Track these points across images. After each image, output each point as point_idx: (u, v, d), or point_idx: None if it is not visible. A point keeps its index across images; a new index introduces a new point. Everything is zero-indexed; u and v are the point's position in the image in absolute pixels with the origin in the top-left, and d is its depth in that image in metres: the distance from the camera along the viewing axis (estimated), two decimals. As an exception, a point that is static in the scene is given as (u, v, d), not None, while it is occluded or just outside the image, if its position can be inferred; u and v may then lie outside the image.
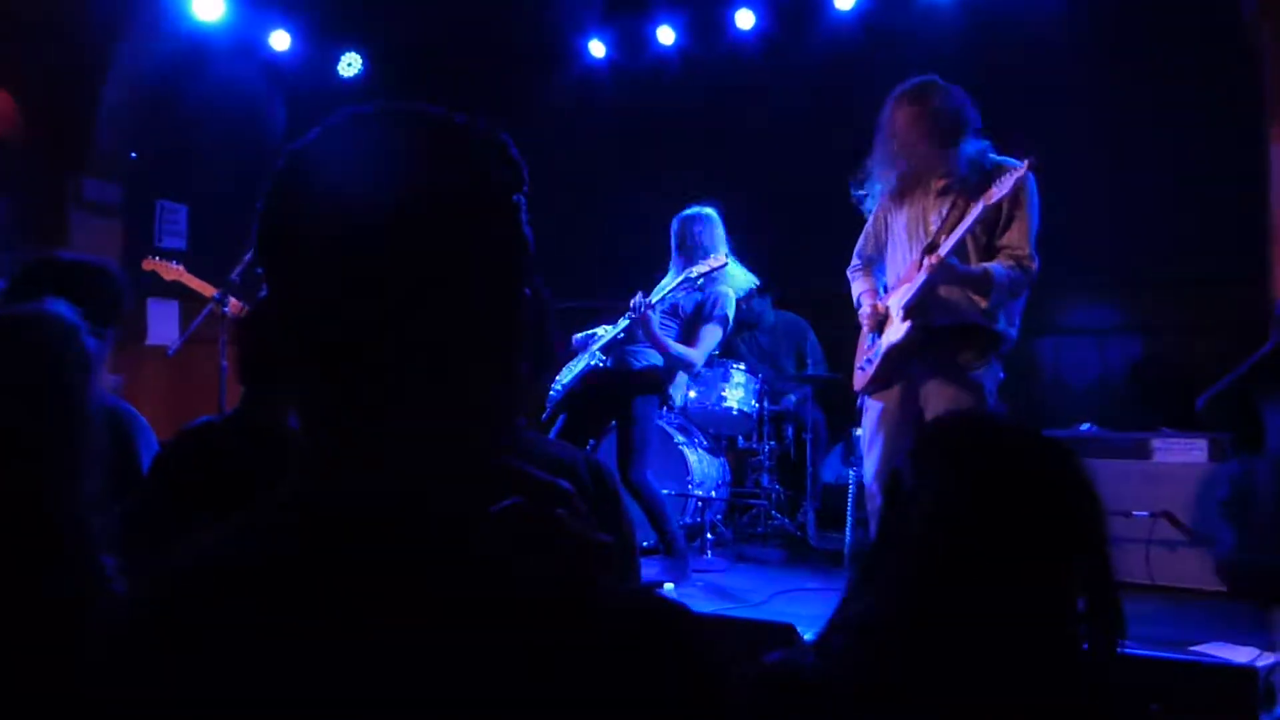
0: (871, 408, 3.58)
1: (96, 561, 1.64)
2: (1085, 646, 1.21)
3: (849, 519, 4.34)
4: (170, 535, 2.02)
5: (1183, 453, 4.43)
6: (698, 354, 4.53)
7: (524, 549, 0.71)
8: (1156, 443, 4.51)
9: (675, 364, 4.56)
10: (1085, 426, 4.94)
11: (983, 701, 1.13)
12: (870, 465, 3.58)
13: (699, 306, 4.55)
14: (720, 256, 4.45)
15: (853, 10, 6.66)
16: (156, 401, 5.43)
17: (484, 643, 0.67)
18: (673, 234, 4.66)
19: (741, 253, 4.72)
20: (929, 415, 3.38)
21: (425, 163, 0.76)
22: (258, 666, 0.68)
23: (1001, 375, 3.46)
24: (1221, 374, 3.55)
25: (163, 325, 6.32)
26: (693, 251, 4.54)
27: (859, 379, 3.64)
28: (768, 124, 6.80)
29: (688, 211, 4.67)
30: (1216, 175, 5.56)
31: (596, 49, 7.50)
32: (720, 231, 4.65)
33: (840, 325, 5.55)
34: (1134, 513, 4.29)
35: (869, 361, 3.58)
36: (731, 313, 4.60)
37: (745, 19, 6.97)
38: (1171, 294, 5.89)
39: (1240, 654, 3.14)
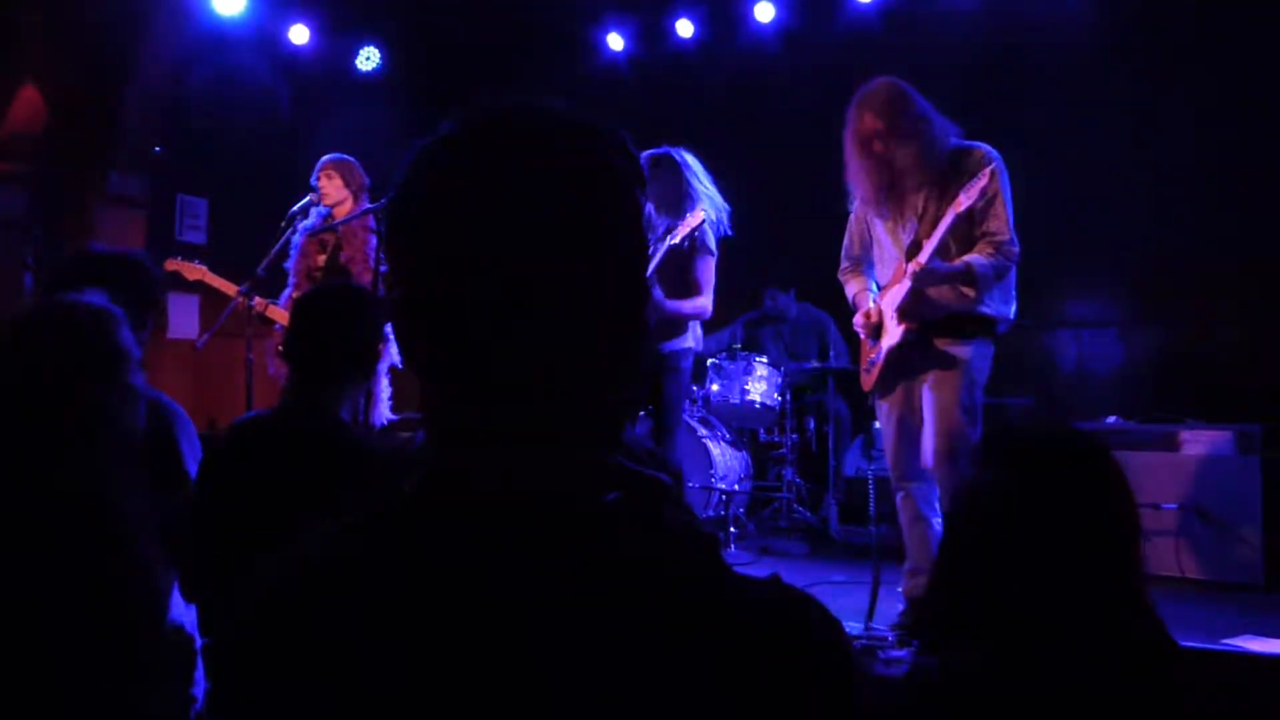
0: (880, 408, 3.71)
1: (138, 548, 1.65)
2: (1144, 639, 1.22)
3: (872, 512, 4.31)
4: (228, 529, 2.04)
5: (1210, 445, 4.40)
6: (704, 298, 4.31)
7: (642, 543, 0.71)
8: (1184, 435, 4.48)
9: (689, 319, 4.34)
10: (1110, 419, 4.91)
11: (1052, 692, 1.13)
12: (889, 463, 3.69)
13: (683, 252, 4.22)
14: (698, 213, 4.15)
15: (873, 2, 6.64)
16: (177, 395, 5.43)
17: (620, 638, 0.66)
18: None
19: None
20: (923, 401, 3.51)
21: (556, 161, 0.74)
22: (391, 663, 0.68)
23: (990, 350, 3.52)
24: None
25: (183, 319, 6.34)
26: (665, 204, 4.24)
27: (865, 380, 3.74)
28: (787, 117, 6.77)
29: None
30: (1241, 165, 5.51)
31: (615, 42, 7.50)
32: (687, 175, 4.31)
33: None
34: (1162, 505, 4.27)
35: (872, 363, 3.67)
36: (714, 241, 4.34)
37: (765, 11, 6.95)
38: (1194, 285, 5.85)
39: (1271, 646, 3.14)
